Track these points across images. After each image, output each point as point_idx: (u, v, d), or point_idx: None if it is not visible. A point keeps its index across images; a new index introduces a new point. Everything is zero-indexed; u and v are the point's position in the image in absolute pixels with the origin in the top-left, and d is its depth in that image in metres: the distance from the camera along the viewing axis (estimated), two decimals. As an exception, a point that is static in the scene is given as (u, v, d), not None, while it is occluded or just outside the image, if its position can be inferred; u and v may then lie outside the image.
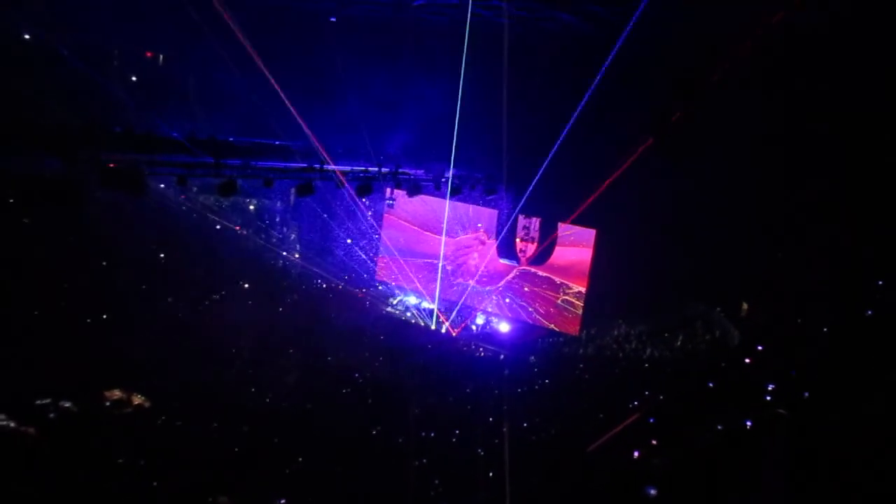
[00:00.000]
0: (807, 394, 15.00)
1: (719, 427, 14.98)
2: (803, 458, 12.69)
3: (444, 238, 22.97)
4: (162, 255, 20.44)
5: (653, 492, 13.28)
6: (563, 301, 21.16)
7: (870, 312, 15.20)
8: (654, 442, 15.27)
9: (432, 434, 16.27)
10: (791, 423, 14.48)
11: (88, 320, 17.39)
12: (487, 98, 16.87)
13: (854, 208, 14.99)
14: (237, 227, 22.72)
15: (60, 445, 13.06)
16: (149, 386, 15.82)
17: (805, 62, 13.96)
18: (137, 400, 15.59)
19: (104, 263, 18.54)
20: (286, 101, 15.71)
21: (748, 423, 15.06)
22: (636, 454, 14.92)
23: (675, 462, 14.34)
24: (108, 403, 15.36)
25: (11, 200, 13.91)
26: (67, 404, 14.61)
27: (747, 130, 15.37)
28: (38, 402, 14.37)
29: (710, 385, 17.03)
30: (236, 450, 14.06)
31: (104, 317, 17.79)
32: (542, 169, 17.53)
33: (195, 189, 20.53)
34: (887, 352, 13.61)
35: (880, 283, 15.33)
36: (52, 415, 14.34)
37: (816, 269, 15.80)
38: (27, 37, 15.03)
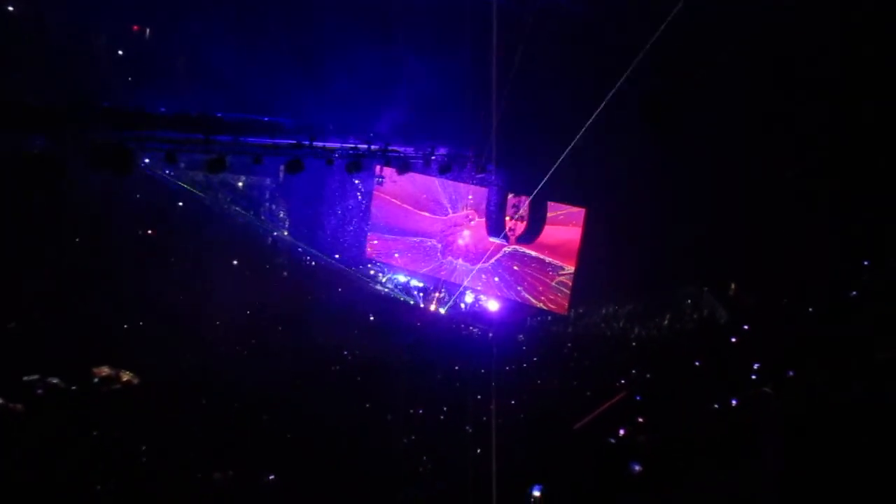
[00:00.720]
0: (791, 373, 15.18)
1: (705, 405, 15.14)
2: (789, 437, 12.86)
3: (430, 216, 22.97)
4: (150, 232, 20.32)
5: (637, 467, 13.43)
6: (551, 280, 21.25)
7: (854, 293, 15.36)
8: (640, 420, 15.43)
9: (421, 411, 16.37)
10: (776, 401, 14.66)
11: (76, 298, 17.30)
12: (478, 76, 16.77)
13: (841, 189, 15.09)
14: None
15: (48, 422, 13.06)
16: (137, 363, 15.80)
17: (794, 39, 14.00)
18: (126, 377, 15.53)
19: (91, 240, 18.40)
20: (276, 78, 15.60)
21: (734, 402, 15.23)
22: (622, 432, 15.07)
23: (661, 439, 14.50)
24: (96, 380, 15.31)
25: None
26: (55, 381, 14.57)
27: (737, 110, 15.40)
28: (26, 378, 14.33)
29: (697, 364, 17.20)
30: (226, 427, 14.09)
31: (92, 294, 17.70)
32: (533, 147, 17.51)
33: (183, 166, 20.34)
34: (871, 332, 13.77)
35: (866, 263, 15.48)
36: (39, 391, 14.30)
37: (803, 250, 15.92)
38: (11, 9, 14.79)
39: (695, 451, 13.45)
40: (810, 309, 16.19)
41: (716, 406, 14.87)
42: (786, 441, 12.45)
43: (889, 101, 13.67)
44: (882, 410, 12.31)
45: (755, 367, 15.95)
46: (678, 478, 12.91)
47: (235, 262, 22.18)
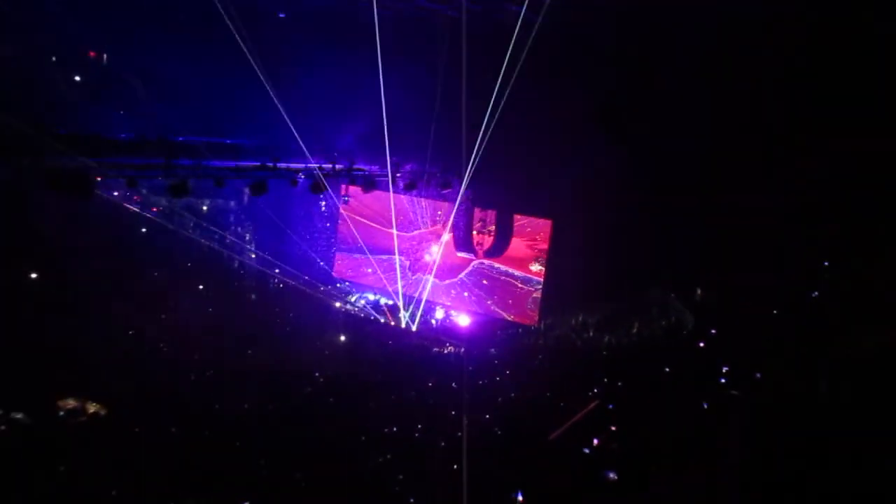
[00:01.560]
0: (759, 374, 15.43)
1: (676, 410, 15.30)
2: (757, 437, 13.05)
3: (398, 233, 22.96)
4: (113, 259, 19.99)
5: (612, 475, 13.50)
6: (520, 292, 21.33)
7: (815, 294, 15.71)
8: (612, 428, 15.53)
9: (395, 429, 16.29)
10: (744, 403, 14.89)
11: (39, 328, 16.94)
12: (441, 92, 16.88)
13: (799, 193, 15.42)
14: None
15: (13, 457, 12.74)
16: (104, 393, 15.50)
17: (754, 41, 14.34)
18: (93, 408, 15.24)
19: (54, 268, 18.05)
20: (238, 99, 15.51)
21: (704, 405, 15.42)
22: (595, 441, 15.15)
23: (634, 446, 14.61)
24: (62, 413, 14.99)
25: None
26: (19, 416, 14.22)
27: (696, 115, 15.69)
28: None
29: (667, 370, 17.37)
30: (197, 454, 13.88)
31: (56, 324, 17.35)
32: (497, 161, 17.61)
33: (144, 191, 20.10)
34: (832, 331, 14.08)
35: (826, 264, 15.83)
36: (2, 427, 13.95)
37: (765, 254, 16.23)
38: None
39: (666, 456, 13.56)
40: (774, 311, 16.49)
41: (686, 410, 15.03)
42: (753, 441, 12.62)
43: (847, 103, 14.05)
44: (848, 407, 12.57)
45: (724, 370, 16.18)
46: (650, 483, 13.00)
47: (201, 287, 21.92)
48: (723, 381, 16.14)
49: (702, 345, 17.66)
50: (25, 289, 17.11)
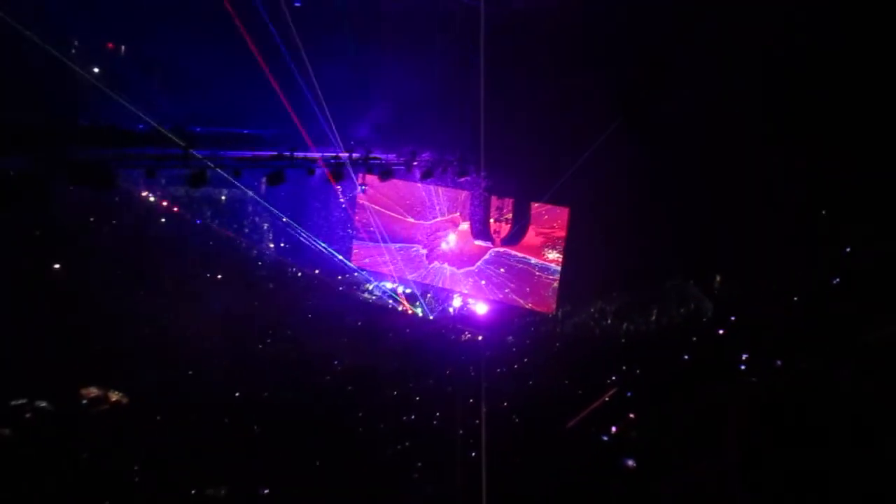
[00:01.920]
0: (779, 362, 15.30)
1: (695, 398, 15.22)
2: (777, 426, 12.95)
3: (415, 221, 22.96)
4: (133, 249, 20.15)
5: (630, 462, 13.47)
6: (538, 280, 21.30)
7: (836, 280, 15.53)
8: (631, 416, 15.48)
9: (413, 417, 16.34)
10: (764, 391, 14.77)
11: (61, 318, 17.14)
12: (458, 79, 16.81)
13: (820, 179, 15.24)
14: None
15: (39, 445, 12.93)
16: (125, 382, 15.67)
17: (774, 30, 14.15)
18: (115, 397, 15.42)
19: (74, 260, 18.24)
20: (254, 89, 15.53)
21: (723, 393, 15.33)
22: (614, 429, 15.12)
23: (653, 433, 14.57)
24: (84, 402, 15.19)
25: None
26: (43, 404, 14.43)
27: (717, 103, 15.52)
28: (13, 402, 14.18)
29: (686, 357, 17.28)
30: (217, 442, 14.00)
31: (77, 314, 17.55)
32: (514, 149, 17.55)
33: (164, 181, 20.21)
34: (854, 318, 13.92)
35: (847, 250, 15.64)
36: (27, 415, 14.16)
37: (785, 240, 16.06)
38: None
39: (683, 443, 13.50)
40: (795, 298, 16.33)
41: (704, 398, 14.94)
42: (770, 429, 12.52)
43: (871, 92, 13.85)
44: (869, 395, 12.43)
45: (743, 357, 16.05)
46: (669, 470, 12.96)
47: (220, 276, 22.05)
48: (742, 367, 16.03)
49: (721, 332, 17.54)
50: (48, 280, 17.29)
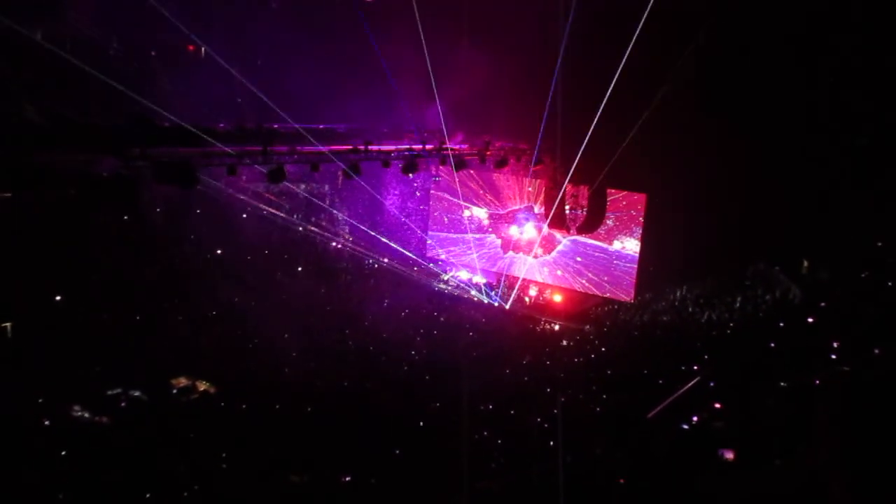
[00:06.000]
0: (877, 350, 14.58)
1: (783, 386, 14.69)
2: (870, 416, 12.37)
3: (489, 211, 22.91)
4: (219, 252, 20.85)
5: (728, 454, 13.12)
6: (615, 268, 20.94)
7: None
8: (716, 405, 15.06)
9: (490, 407, 16.35)
10: (856, 380, 14.11)
11: (153, 314, 17.91)
12: (530, 66, 16.62)
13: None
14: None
15: (133, 433, 13.58)
16: (212, 372, 16.28)
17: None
18: (203, 386, 16.07)
19: (165, 257, 19.00)
20: (328, 84, 15.77)
21: (814, 382, 14.72)
22: (695, 419, 14.75)
23: (739, 424, 14.14)
24: (175, 391, 15.88)
25: (69, 199, 14.32)
26: (137, 393, 15.18)
27: (798, 81, 14.90)
28: (109, 392, 14.96)
29: (772, 345, 16.68)
30: (300, 430, 14.36)
31: (167, 308, 18.32)
32: (589, 135, 17.22)
33: (244, 178, 20.78)
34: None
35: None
36: (122, 404, 14.92)
37: (877, 224, 15.31)
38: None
39: (773, 434, 13.07)
40: (889, 283, 15.56)
41: (793, 388, 14.41)
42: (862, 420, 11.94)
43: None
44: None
45: (834, 345, 15.38)
46: (763, 462, 12.59)
47: (300, 269, 22.55)
48: (833, 356, 15.36)
49: (811, 320, 16.84)
50: (139, 278, 18.05)
